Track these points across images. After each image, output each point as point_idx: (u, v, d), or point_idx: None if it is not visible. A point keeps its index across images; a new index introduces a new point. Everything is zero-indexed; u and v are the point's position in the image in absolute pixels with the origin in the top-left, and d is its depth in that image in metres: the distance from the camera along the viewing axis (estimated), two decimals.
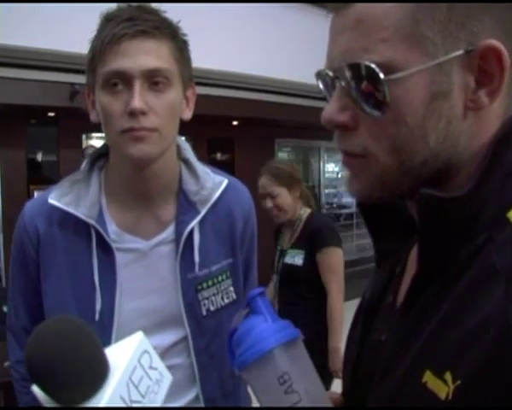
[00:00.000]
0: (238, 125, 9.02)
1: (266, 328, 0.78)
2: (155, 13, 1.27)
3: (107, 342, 1.24)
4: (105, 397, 0.67)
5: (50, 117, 6.67)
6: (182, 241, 1.32)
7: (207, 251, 1.36)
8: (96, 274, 1.28)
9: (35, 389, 0.69)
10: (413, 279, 0.71)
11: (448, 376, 0.60)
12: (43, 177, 6.80)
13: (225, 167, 10.03)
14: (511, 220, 0.64)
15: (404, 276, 0.82)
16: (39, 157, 7.02)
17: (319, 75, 0.76)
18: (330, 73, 0.72)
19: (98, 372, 0.69)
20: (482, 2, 0.65)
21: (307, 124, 9.50)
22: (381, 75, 0.64)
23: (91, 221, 1.28)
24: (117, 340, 1.26)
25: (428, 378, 0.62)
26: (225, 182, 1.41)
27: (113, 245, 1.29)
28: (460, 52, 0.64)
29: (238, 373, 0.78)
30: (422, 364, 0.64)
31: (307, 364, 0.79)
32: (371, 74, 0.65)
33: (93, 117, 1.31)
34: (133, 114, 1.18)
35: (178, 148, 1.42)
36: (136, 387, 0.72)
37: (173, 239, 1.34)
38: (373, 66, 0.64)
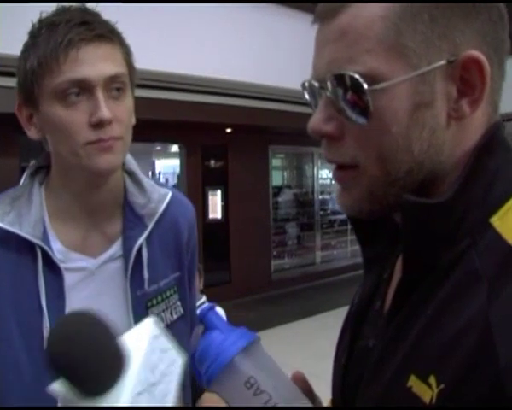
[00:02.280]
0: (232, 133, 9.04)
1: (223, 340, 0.80)
2: (100, 15, 1.18)
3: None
4: (128, 385, 0.67)
5: None
6: (131, 257, 1.25)
7: (155, 266, 1.29)
8: (43, 298, 1.17)
9: (56, 387, 0.69)
10: (398, 284, 0.72)
11: (432, 380, 0.61)
12: None
13: (219, 174, 10.02)
14: (494, 225, 0.65)
15: (392, 282, 0.83)
16: None
17: (305, 85, 0.77)
18: (316, 84, 0.73)
19: (119, 361, 0.69)
20: (479, 2, 0.67)
21: (301, 130, 9.46)
22: (365, 85, 0.65)
23: (37, 241, 1.17)
24: None
25: (413, 383, 0.63)
26: (170, 194, 1.34)
27: (61, 265, 1.18)
28: (442, 62, 0.65)
29: (208, 389, 0.80)
30: (407, 368, 0.65)
31: (270, 362, 0.82)
32: (355, 85, 0.66)
33: (33, 134, 1.20)
34: (100, 124, 1.10)
35: None
36: (153, 371, 0.72)
37: (121, 255, 1.26)
38: (357, 76, 0.66)
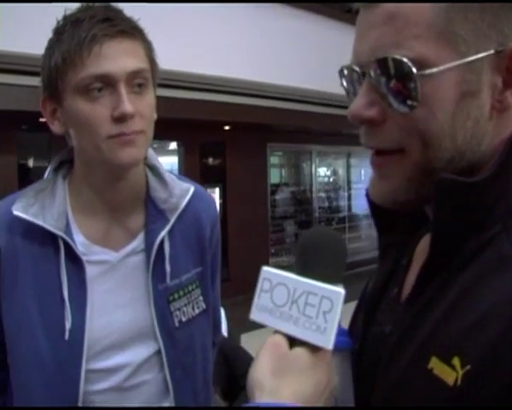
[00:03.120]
0: (230, 130, 9.02)
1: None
2: (122, 12, 1.21)
3: (78, 364, 1.19)
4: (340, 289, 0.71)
5: (42, 123, 6.62)
6: (153, 251, 1.27)
7: (177, 260, 1.31)
8: (65, 289, 1.20)
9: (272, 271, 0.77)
10: (422, 266, 0.71)
11: (456, 361, 0.60)
12: (35, 182, 6.75)
13: (217, 172, 9.99)
14: None
15: (411, 268, 0.83)
16: (30, 163, 6.98)
17: (343, 71, 0.76)
18: (357, 69, 0.72)
19: (342, 266, 0.79)
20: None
21: (299, 128, 9.53)
22: (414, 70, 0.64)
23: (60, 233, 1.20)
24: (88, 360, 1.21)
25: (434, 365, 0.63)
26: (192, 189, 1.37)
27: (83, 258, 1.22)
28: (490, 52, 0.65)
29: None
30: (428, 350, 0.65)
31: (347, 374, 0.83)
32: (403, 69, 0.65)
33: (56, 128, 1.24)
34: (123, 118, 1.13)
35: None
36: None
37: (143, 249, 1.29)
38: (405, 60, 0.64)
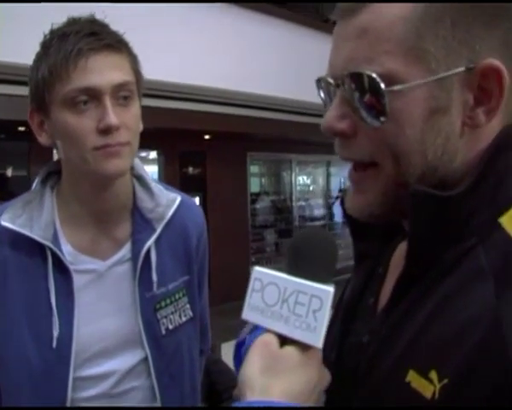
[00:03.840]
0: (210, 139, 9.03)
1: None
2: (108, 26, 1.23)
3: (66, 372, 1.21)
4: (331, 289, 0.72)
5: (21, 132, 6.58)
6: (140, 260, 1.29)
7: (164, 269, 1.33)
8: (52, 298, 1.22)
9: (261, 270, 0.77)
10: (399, 277, 0.72)
11: (433, 374, 0.61)
12: (13, 192, 6.69)
13: (197, 181, 9.97)
14: (502, 225, 0.65)
15: (387, 277, 0.83)
16: (9, 172, 6.92)
17: (320, 82, 0.76)
18: (331, 81, 0.72)
19: (332, 267, 0.77)
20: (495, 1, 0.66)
21: (279, 137, 9.56)
22: (382, 86, 0.65)
23: (47, 243, 1.22)
24: (76, 368, 1.22)
25: (412, 378, 0.63)
26: (179, 199, 1.39)
27: (70, 267, 1.23)
28: (461, 69, 0.65)
29: None
30: (406, 363, 0.65)
31: None
32: (373, 85, 0.66)
33: (44, 140, 1.25)
34: (108, 130, 1.15)
35: (131, 164, 1.36)
36: None
37: (130, 258, 1.31)
38: (374, 76, 0.65)
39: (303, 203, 11.87)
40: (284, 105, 8.61)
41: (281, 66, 8.38)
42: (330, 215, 12.35)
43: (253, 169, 10.89)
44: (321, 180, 12.51)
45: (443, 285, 0.66)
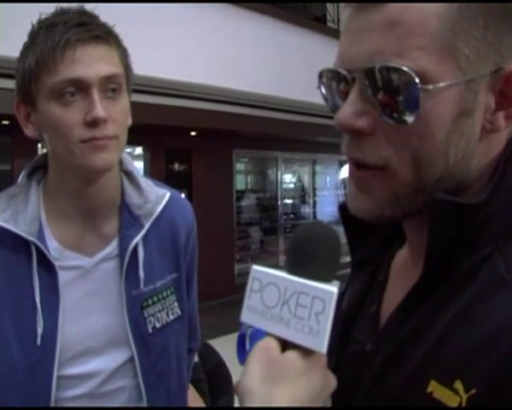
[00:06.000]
0: (196, 136, 9.01)
1: None
2: (98, 17, 1.20)
3: (50, 370, 1.19)
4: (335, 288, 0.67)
5: (4, 125, 6.53)
6: (126, 257, 1.27)
7: (152, 266, 1.31)
8: (37, 295, 1.19)
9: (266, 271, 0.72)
10: (414, 287, 0.70)
11: (459, 385, 0.60)
12: None
13: (183, 178, 9.94)
14: None
15: (388, 284, 0.82)
16: None
17: (325, 75, 0.71)
18: (345, 73, 0.67)
19: (335, 267, 0.72)
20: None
21: (265, 135, 9.56)
22: (418, 83, 0.61)
23: (32, 238, 1.19)
24: (60, 366, 1.20)
25: (434, 388, 0.62)
26: (168, 195, 1.36)
27: (55, 263, 1.21)
28: (488, 71, 0.63)
29: None
30: (426, 373, 0.63)
31: None
32: (405, 80, 0.61)
33: (30, 132, 1.23)
34: (95, 123, 1.13)
35: (121, 159, 1.34)
36: None
37: (117, 254, 1.28)
38: (409, 71, 0.61)
39: (288, 201, 11.89)
40: (270, 103, 8.62)
41: (268, 63, 8.39)
42: (315, 213, 12.37)
43: (239, 166, 10.89)
44: (306, 178, 12.53)
45: (462, 294, 0.64)
